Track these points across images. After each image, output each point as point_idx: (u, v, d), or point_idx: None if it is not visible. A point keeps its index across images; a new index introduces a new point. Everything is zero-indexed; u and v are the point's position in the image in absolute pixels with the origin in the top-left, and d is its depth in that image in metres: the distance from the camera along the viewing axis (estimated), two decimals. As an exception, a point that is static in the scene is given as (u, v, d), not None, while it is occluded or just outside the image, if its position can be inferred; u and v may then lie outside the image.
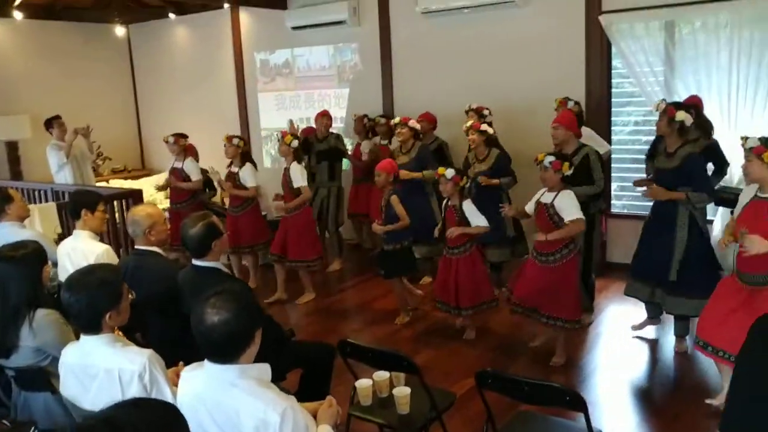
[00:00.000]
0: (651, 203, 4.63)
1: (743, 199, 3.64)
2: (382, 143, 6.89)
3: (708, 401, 3.80)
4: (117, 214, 6.12)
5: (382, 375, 3.09)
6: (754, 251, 3.26)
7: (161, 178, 9.52)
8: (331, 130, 6.97)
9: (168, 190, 6.78)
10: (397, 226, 5.01)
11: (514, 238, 5.68)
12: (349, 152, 7.09)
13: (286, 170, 5.70)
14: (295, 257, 5.77)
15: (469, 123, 5.51)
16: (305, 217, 5.83)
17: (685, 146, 4.28)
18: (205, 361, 2.07)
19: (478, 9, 6.53)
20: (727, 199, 4.60)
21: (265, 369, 2.08)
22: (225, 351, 2.01)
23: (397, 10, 7.27)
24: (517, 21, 6.47)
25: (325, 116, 6.92)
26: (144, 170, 9.97)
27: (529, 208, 4.45)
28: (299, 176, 5.63)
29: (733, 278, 3.66)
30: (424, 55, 7.16)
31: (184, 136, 6.68)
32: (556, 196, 4.22)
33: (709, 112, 5.32)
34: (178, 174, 6.55)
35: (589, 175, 4.73)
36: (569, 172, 4.20)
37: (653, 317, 4.82)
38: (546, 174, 4.20)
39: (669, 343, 4.70)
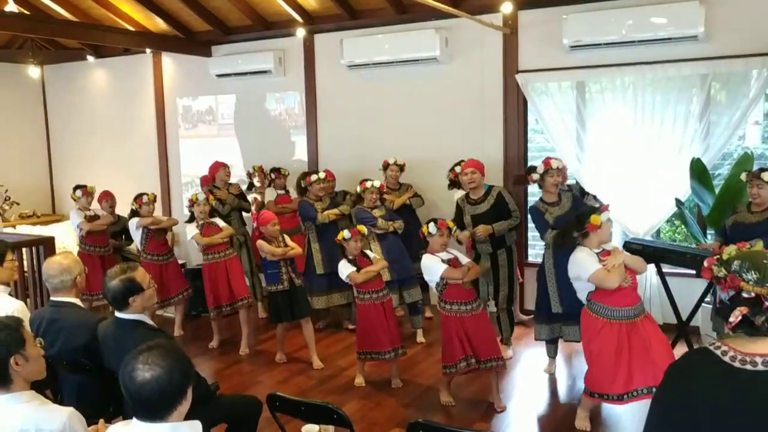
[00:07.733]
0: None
1: (592, 264, 3.89)
2: (279, 193, 6.92)
3: None
4: (26, 263, 5.82)
5: (311, 428, 3.04)
6: (620, 260, 3.86)
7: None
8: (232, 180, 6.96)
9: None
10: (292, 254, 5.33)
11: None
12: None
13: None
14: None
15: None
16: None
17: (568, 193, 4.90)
18: (133, 419, 2.00)
19: (401, 64, 6.74)
20: (636, 249, 4.88)
21: (196, 426, 2.03)
22: (156, 409, 1.95)
23: (322, 61, 7.39)
24: (439, 76, 6.70)
25: (225, 166, 6.89)
26: (55, 216, 9.52)
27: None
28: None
29: (609, 324, 3.88)
30: (349, 107, 7.29)
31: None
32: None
33: (614, 165, 5.82)
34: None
35: (507, 209, 5.18)
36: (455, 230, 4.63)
37: (553, 356, 5.14)
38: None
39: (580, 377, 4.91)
